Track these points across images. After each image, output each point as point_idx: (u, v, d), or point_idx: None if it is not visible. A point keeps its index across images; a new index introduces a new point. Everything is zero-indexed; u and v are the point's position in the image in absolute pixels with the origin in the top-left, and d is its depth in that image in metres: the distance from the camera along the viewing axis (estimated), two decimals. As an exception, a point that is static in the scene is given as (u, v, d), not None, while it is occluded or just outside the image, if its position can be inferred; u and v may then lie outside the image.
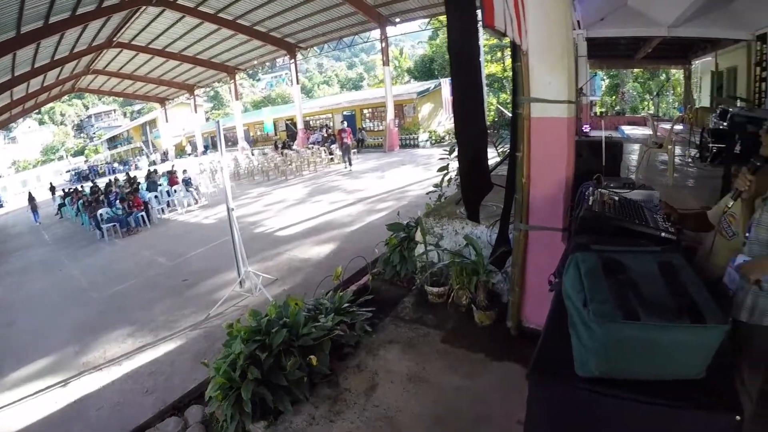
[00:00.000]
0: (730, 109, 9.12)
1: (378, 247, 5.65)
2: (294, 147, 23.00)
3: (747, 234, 1.95)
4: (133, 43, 22.61)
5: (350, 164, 17.09)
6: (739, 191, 1.96)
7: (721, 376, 1.32)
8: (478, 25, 2.09)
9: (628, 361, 1.31)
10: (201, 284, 6.81)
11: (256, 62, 28.55)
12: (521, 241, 3.43)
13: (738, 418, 1.21)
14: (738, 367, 1.87)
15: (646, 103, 27.85)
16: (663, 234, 2.04)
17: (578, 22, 10.58)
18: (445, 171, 5.66)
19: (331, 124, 28.24)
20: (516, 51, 3.02)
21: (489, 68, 27.54)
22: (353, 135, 22.73)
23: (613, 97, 28.06)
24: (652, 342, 1.26)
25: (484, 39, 19.42)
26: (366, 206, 10.60)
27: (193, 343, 4.95)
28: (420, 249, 4.56)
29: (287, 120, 31.29)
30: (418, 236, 4.56)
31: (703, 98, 18.04)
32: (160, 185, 15.53)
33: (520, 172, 3.28)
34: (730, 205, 2.01)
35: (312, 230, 8.95)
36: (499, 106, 15.84)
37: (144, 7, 17.74)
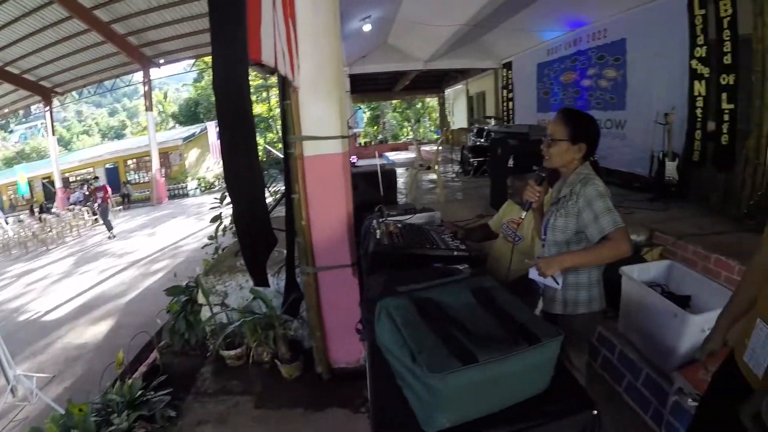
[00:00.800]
0: (486, 128, 10.56)
1: (160, 316, 4.73)
2: (53, 210, 18.65)
3: (543, 237, 2.02)
4: None
5: (110, 228, 14.05)
6: (530, 203, 2.01)
7: (562, 379, 1.29)
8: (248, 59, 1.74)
9: (477, 402, 1.16)
10: (-33, 401, 4.80)
11: (6, 110, 21.97)
12: (311, 284, 3.16)
13: (595, 412, 1.19)
14: (565, 353, 1.92)
15: (405, 130, 31.27)
16: (455, 253, 2.02)
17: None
18: (219, 221, 5.15)
19: (93, 179, 24.13)
20: (285, 88, 2.76)
21: (254, 109, 27.30)
22: (116, 191, 19.47)
23: (375, 127, 30.70)
24: (496, 377, 1.13)
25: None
26: (139, 269, 9.30)
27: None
28: (206, 311, 3.91)
29: (44, 178, 25.08)
30: (201, 298, 3.93)
31: (456, 121, 20.85)
32: None
33: (298, 215, 3.00)
34: (523, 216, 2.05)
35: (84, 308, 7.31)
36: (266, 146, 15.59)
37: None
